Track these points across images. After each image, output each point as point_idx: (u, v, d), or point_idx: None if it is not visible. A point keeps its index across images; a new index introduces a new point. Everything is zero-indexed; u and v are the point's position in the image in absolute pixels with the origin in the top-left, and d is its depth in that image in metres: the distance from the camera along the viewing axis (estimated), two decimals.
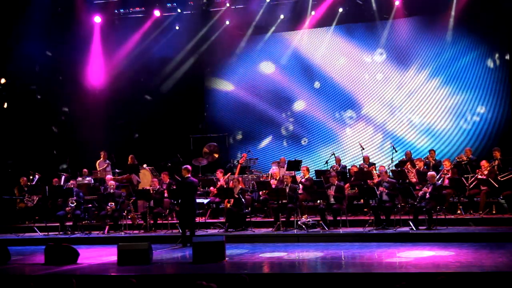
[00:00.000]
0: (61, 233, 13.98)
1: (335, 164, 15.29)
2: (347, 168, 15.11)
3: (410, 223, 11.73)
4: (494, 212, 12.72)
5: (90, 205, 14.73)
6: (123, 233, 13.51)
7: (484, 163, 13.01)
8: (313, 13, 17.68)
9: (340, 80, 17.90)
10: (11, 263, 10.77)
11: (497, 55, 16.29)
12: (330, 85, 18.00)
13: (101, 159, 16.40)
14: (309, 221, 12.57)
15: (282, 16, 18.04)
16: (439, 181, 12.28)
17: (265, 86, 18.65)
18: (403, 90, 17.29)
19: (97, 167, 16.35)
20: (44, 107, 18.19)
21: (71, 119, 18.31)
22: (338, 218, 12.55)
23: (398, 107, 17.33)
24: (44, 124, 18.23)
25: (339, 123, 17.95)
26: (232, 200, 13.17)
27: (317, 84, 18.18)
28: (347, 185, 13.83)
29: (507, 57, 16.18)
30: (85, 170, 16.11)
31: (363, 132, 17.57)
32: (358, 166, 14.66)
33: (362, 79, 17.74)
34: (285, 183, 12.92)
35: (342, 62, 17.94)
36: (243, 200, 13.02)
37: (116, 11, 18.42)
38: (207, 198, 13.93)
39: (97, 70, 18.51)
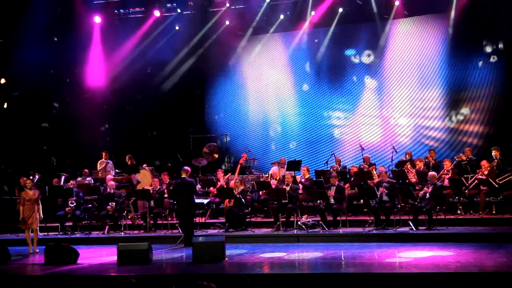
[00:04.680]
0: (61, 233, 13.99)
1: (335, 164, 15.28)
2: (347, 168, 15.10)
3: (410, 223, 11.74)
4: (494, 212, 12.72)
5: (90, 205, 14.71)
6: (123, 233, 13.52)
7: (484, 163, 13.01)
8: (313, 13, 17.67)
9: (337, 80, 17.93)
10: (11, 263, 10.78)
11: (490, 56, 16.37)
12: (329, 85, 18.01)
13: (103, 158, 16.41)
14: (309, 221, 12.58)
15: (282, 16, 18.03)
16: (439, 181, 12.29)
17: (264, 86, 18.64)
18: (401, 90, 17.30)
19: (98, 166, 16.36)
20: (45, 107, 18.21)
21: (71, 119, 18.28)
22: (338, 218, 12.55)
23: (397, 107, 17.35)
24: (45, 125, 18.26)
25: (333, 123, 17.98)
26: (232, 200, 13.17)
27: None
28: (347, 185, 13.83)
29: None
30: (86, 170, 16.11)
31: (359, 133, 17.58)
32: (358, 167, 14.64)
33: (360, 79, 17.73)
34: (286, 182, 12.91)
35: (340, 61, 17.94)
36: (243, 200, 13.02)
37: (116, 11, 18.42)
38: (207, 198, 13.93)
39: (97, 70, 18.50)
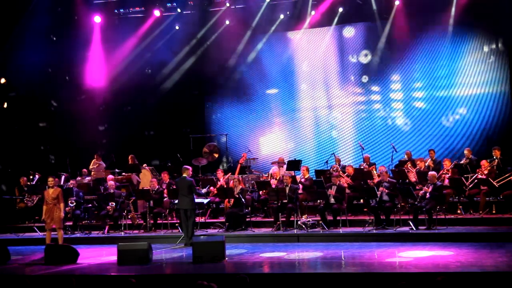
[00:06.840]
0: None
1: (335, 164, 15.27)
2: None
3: (410, 223, 11.74)
4: (494, 212, 12.72)
5: (90, 205, 14.71)
6: (123, 233, 13.51)
7: (484, 162, 13.01)
8: (313, 13, 17.67)
9: (336, 80, 17.93)
10: (11, 263, 10.78)
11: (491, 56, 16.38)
12: (329, 85, 18.01)
13: (95, 159, 16.42)
14: (309, 221, 12.58)
15: (282, 16, 18.03)
16: (439, 181, 12.29)
17: (264, 86, 18.63)
18: (400, 91, 17.30)
19: (90, 167, 16.38)
20: (44, 107, 18.20)
21: (71, 119, 18.28)
22: (338, 218, 12.55)
23: (395, 106, 17.36)
24: (43, 124, 18.27)
25: (333, 122, 17.98)
26: (232, 200, 13.17)
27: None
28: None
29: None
30: (85, 170, 16.12)
31: (359, 132, 17.59)
32: (353, 166, 14.58)
33: (359, 79, 17.74)
34: (285, 183, 12.91)
35: (339, 61, 17.94)
36: (243, 200, 13.02)
37: (116, 11, 18.42)
38: (207, 198, 13.92)
39: (97, 70, 18.49)
